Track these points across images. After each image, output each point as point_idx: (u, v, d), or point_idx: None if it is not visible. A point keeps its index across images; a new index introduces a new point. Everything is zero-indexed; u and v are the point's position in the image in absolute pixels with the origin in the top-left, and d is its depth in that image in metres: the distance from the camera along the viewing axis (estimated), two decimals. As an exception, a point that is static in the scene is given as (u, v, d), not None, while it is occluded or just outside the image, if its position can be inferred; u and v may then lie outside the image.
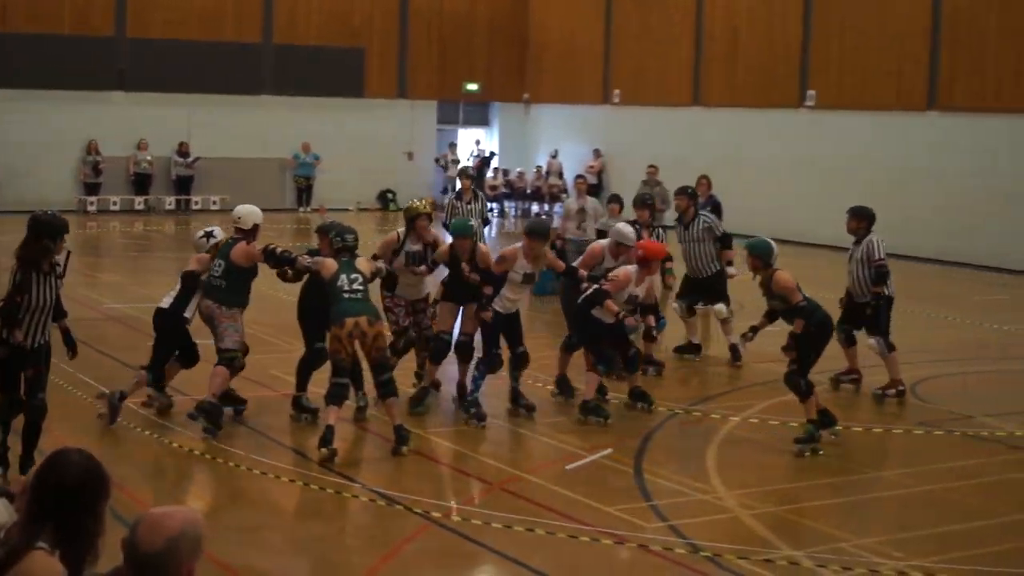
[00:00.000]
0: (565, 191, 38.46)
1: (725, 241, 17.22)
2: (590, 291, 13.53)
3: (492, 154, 41.93)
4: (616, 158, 38.90)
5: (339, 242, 12.66)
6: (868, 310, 15.13)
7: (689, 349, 17.37)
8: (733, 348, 16.68)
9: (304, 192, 38.60)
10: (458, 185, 20.25)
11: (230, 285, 13.14)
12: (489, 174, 41.28)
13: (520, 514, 10.46)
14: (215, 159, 37.39)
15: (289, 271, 13.28)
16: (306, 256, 13.15)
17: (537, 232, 13.63)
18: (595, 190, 37.64)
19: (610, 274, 13.94)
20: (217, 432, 12.43)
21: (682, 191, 17.66)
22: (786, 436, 12.87)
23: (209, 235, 13.62)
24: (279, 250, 13.10)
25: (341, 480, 11.33)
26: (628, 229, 14.92)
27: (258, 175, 37.96)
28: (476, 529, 10.17)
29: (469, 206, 19.24)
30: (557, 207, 37.54)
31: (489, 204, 40.74)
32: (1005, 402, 15.50)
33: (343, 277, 12.34)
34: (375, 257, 13.63)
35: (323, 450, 11.86)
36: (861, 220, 15.55)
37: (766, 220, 28.79)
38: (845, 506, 11.36)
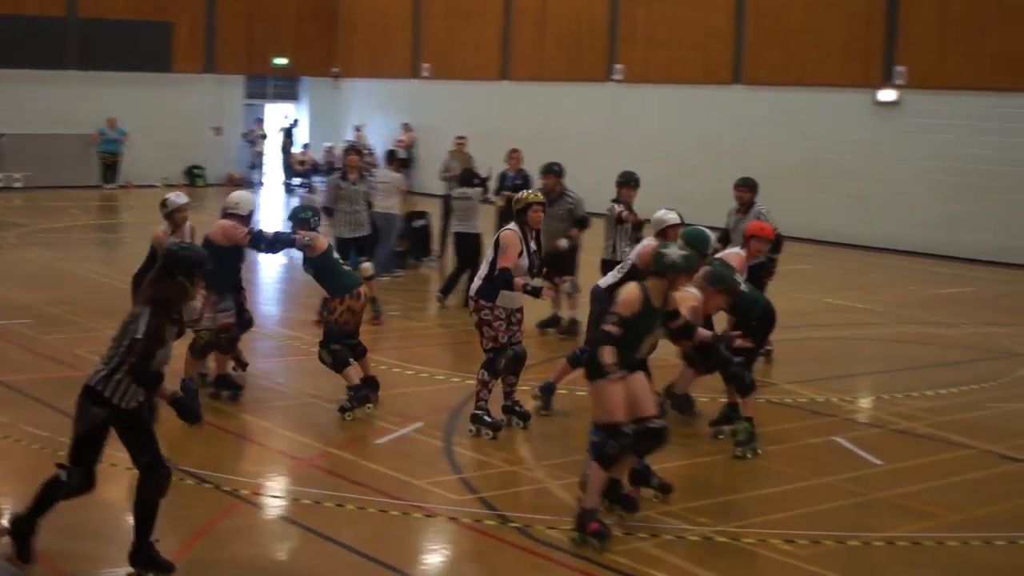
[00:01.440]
0: (376, 165, 38.34)
1: (583, 222, 17.12)
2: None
3: (295, 122, 41.80)
4: (426, 132, 38.85)
5: (316, 222, 13.18)
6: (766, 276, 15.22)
7: (551, 323, 17.57)
8: (573, 322, 16.90)
9: (110, 168, 37.91)
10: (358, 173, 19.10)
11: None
12: (297, 148, 41.09)
13: (330, 490, 10.44)
14: (17, 135, 36.57)
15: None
16: (303, 233, 12.99)
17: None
18: (406, 164, 37.62)
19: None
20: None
21: (548, 169, 17.28)
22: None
23: (163, 203, 13.38)
24: (272, 235, 13.13)
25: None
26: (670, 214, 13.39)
27: (63, 151, 37.28)
28: (286, 506, 10.14)
29: (355, 187, 18.77)
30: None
31: (297, 179, 40.70)
32: (806, 370, 15.86)
33: (334, 251, 13.10)
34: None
35: (368, 407, 12.80)
36: (752, 191, 16.10)
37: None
38: (652, 474, 11.51)
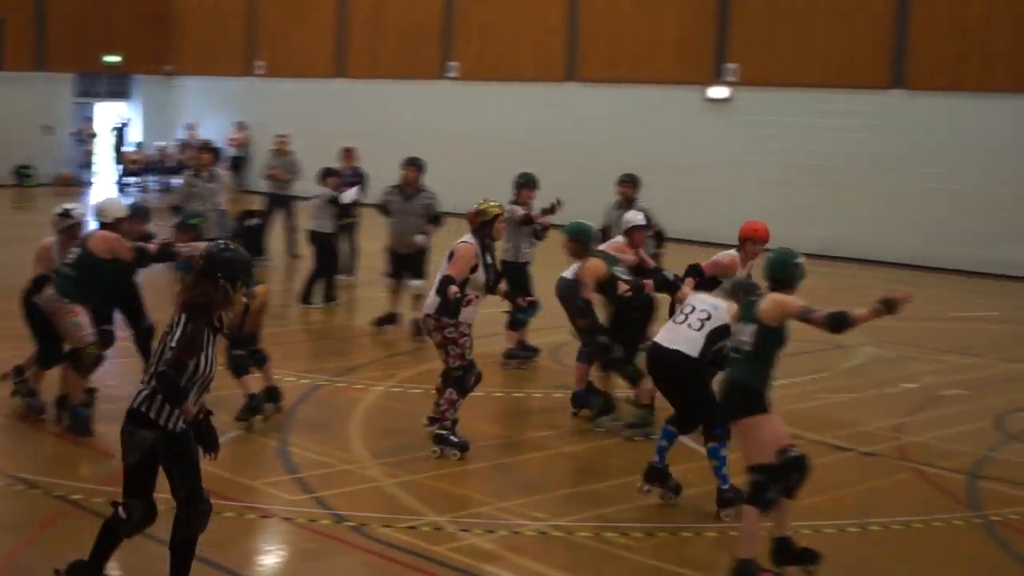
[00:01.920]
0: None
1: (438, 219, 16.92)
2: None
3: (127, 120, 41.30)
4: (260, 130, 38.59)
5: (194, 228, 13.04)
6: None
7: (388, 320, 17.44)
8: (416, 323, 16.59)
9: (-63, 169, 37.12)
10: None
11: (81, 276, 11.91)
12: (129, 147, 40.58)
13: (163, 492, 10.30)
14: None
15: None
16: (186, 246, 12.43)
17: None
18: (240, 162, 37.38)
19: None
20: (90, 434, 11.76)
21: (412, 163, 16.93)
22: (430, 404, 12.99)
23: (65, 214, 12.63)
24: (156, 249, 12.23)
25: (-25, 465, 10.97)
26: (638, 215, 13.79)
27: None
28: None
29: (209, 185, 18.42)
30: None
31: (130, 178, 40.15)
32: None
33: None
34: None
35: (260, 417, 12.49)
36: (635, 187, 16.34)
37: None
38: (487, 470, 11.53)
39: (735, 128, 29.66)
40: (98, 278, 11.99)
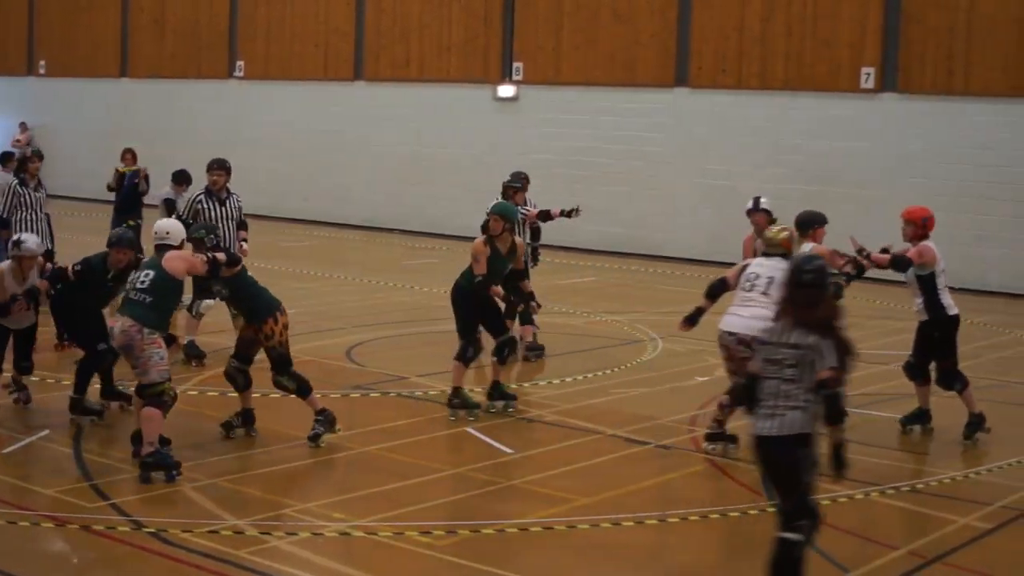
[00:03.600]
0: None
1: (243, 224, 16.22)
2: None
3: None
4: (44, 131, 37.85)
5: (212, 240, 12.38)
6: None
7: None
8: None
9: None
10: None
11: (156, 302, 11.23)
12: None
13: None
14: None
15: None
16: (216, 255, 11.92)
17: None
18: (22, 164, 36.45)
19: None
20: (177, 476, 11.00)
21: (219, 164, 16.17)
22: (226, 406, 12.88)
23: (16, 244, 12.30)
24: (221, 255, 11.91)
25: None
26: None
27: None
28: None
29: (36, 194, 17.73)
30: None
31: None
32: (437, 363, 16.01)
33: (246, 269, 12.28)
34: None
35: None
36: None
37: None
38: (287, 472, 11.46)
39: (523, 127, 29.94)
40: (172, 301, 11.52)
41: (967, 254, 23.44)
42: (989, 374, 16.41)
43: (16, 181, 17.75)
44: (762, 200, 14.09)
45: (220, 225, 15.45)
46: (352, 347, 16.38)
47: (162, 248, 11.53)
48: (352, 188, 31.99)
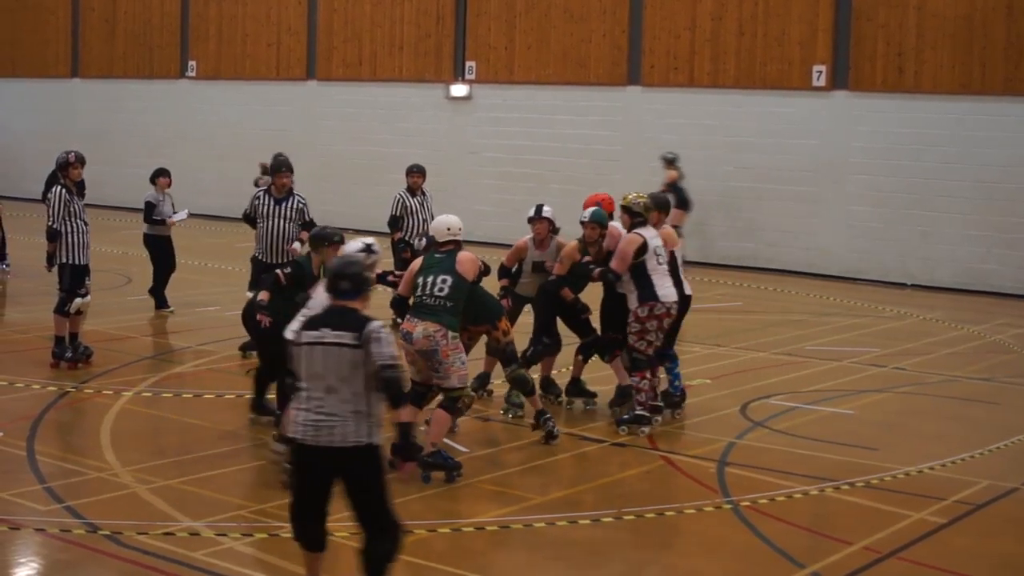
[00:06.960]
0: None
1: (307, 224, 15.74)
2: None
3: None
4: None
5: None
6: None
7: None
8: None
9: None
10: None
11: (456, 307, 11.33)
12: None
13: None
14: None
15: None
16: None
17: None
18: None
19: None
20: (457, 477, 11.08)
21: (288, 167, 16.17)
22: (181, 408, 12.84)
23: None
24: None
25: None
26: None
27: None
28: None
29: None
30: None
31: None
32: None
33: None
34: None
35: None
36: (423, 176, 18.40)
37: (138, 193, 28.72)
38: (241, 473, 11.40)
39: (476, 126, 29.99)
40: (463, 304, 11.47)
41: (916, 250, 23.57)
42: (939, 369, 16.53)
43: None
44: (545, 208, 14.09)
45: (274, 224, 15.54)
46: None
47: (450, 248, 11.66)
48: (304, 188, 31.61)
